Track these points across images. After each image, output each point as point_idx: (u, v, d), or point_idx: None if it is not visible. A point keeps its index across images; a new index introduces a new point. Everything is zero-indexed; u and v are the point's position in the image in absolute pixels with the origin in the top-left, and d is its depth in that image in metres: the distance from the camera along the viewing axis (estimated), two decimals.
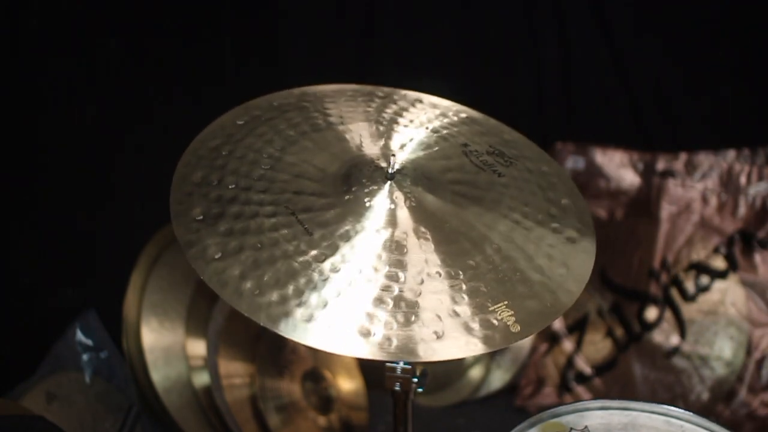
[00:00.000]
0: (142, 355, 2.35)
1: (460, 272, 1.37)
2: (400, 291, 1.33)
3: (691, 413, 1.45)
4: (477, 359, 2.77)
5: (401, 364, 1.49)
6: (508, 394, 2.79)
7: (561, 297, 1.39)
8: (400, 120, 1.60)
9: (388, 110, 1.61)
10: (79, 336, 2.28)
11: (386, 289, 1.33)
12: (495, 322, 1.32)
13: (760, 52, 2.65)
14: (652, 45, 2.76)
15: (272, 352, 2.49)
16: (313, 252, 1.35)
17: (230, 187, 1.42)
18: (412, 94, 1.66)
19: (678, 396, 2.60)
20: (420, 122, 1.60)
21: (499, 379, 2.81)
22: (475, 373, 2.78)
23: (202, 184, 1.42)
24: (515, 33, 2.83)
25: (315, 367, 2.57)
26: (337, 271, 1.33)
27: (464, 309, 1.32)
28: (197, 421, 2.38)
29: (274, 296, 1.30)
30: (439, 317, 1.31)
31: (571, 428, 1.42)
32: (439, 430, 2.68)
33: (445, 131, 1.60)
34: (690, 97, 2.76)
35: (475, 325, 1.31)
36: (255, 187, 1.43)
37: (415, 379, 1.50)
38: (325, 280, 1.32)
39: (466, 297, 1.34)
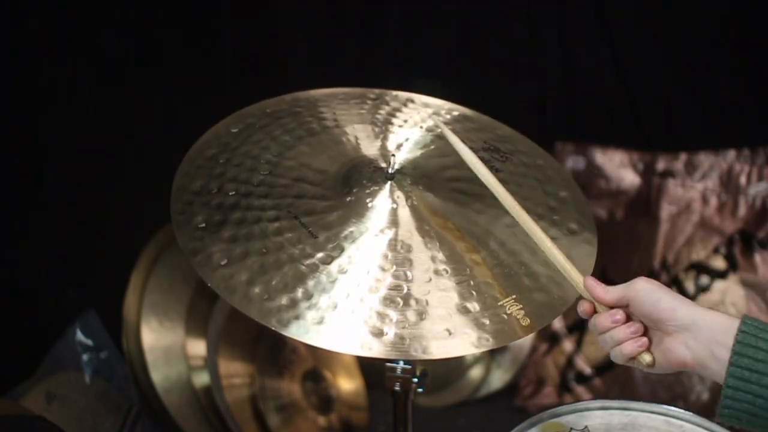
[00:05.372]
0: (142, 355, 2.35)
1: (467, 268, 1.37)
2: (409, 289, 1.33)
3: (691, 413, 1.45)
4: (477, 359, 2.77)
5: (401, 364, 1.49)
6: (508, 394, 2.79)
7: (567, 289, 1.38)
8: (394, 120, 1.60)
9: (382, 111, 1.61)
10: (79, 336, 2.28)
11: (395, 288, 1.33)
12: (505, 316, 1.32)
13: (760, 52, 2.65)
14: (652, 45, 2.76)
15: (272, 352, 2.49)
16: (320, 254, 1.35)
17: (230, 194, 1.42)
18: (404, 94, 1.66)
19: (678, 396, 2.59)
20: (414, 122, 1.60)
21: (499, 379, 2.80)
22: (475, 373, 2.78)
23: (202, 193, 1.42)
24: (516, 33, 2.83)
25: (315, 367, 2.57)
26: (345, 273, 1.33)
27: (474, 305, 1.32)
28: (197, 421, 2.38)
29: (284, 300, 1.29)
30: (449, 314, 1.31)
31: (571, 428, 1.42)
32: (439, 430, 2.68)
33: (439, 130, 1.60)
34: (690, 97, 2.75)
35: (486, 321, 1.31)
36: (255, 192, 1.43)
37: (415, 379, 1.50)
38: (334, 281, 1.32)
39: (474, 293, 1.34)
